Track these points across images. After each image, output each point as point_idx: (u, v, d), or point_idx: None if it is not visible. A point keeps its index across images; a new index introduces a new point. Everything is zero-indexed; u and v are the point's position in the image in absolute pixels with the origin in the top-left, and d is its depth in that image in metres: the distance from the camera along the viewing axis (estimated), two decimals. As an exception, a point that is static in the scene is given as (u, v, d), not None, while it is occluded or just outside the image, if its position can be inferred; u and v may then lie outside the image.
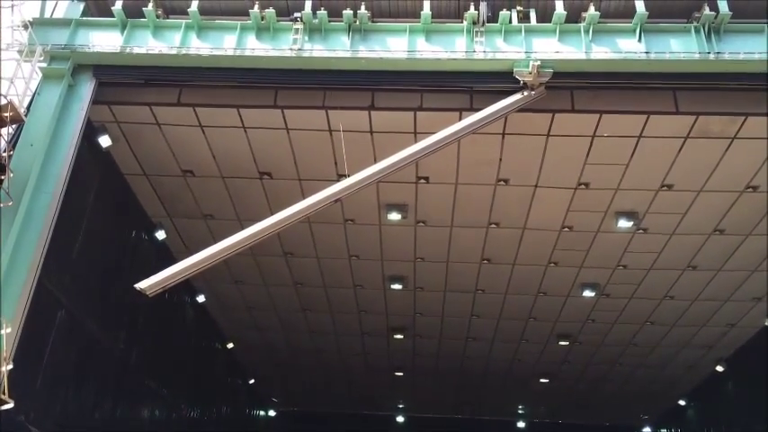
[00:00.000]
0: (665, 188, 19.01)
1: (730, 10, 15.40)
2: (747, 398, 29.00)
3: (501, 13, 15.87)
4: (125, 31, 16.28)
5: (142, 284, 13.90)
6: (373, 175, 14.89)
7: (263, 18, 16.09)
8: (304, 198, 15.29)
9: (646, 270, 23.54)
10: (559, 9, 15.77)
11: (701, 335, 28.38)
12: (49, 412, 15.97)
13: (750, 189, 18.70)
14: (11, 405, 12.00)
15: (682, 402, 36.97)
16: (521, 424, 45.08)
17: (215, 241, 14.87)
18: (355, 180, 14.84)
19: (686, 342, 29.31)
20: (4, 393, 11.81)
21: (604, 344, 30.26)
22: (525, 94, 15.24)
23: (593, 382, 35.46)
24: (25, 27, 15.81)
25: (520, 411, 44.09)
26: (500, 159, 18.30)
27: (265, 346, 32.95)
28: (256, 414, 41.82)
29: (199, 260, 14.33)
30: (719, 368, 31.06)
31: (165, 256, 22.08)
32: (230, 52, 16.01)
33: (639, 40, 15.48)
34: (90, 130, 16.64)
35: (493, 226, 21.41)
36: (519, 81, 15.23)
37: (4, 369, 11.95)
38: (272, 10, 16.06)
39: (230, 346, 32.54)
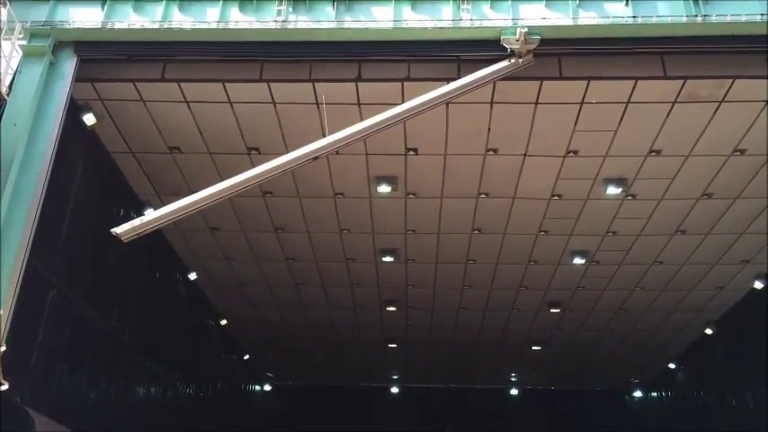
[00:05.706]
0: (654, 154, 19.04)
1: (717, -28, 15.25)
2: (735, 360, 29.47)
3: (487, -21, 15.65)
4: (105, 6, 15.91)
5: (118, 229, 14.23)
6: (353, 135, 14.82)
7: (245, -10, 15.84)
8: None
9: (635, 236, 23.67)
10: (546, -26, 15.57)
11: (690, 299, 28.68)
12: (44, 393, 15.98)
13: (737, 152, 18.75)
14: (5, 387, 12.03)
15: (671, 366, 37.50)
16: (514, 391, 45.68)
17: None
18: (335, 139, 14.78)
19: (675, 306, 29.61)
20: (-2, 375, 11.84)
21: (595, 310, 30.51)
22: (513, 61, 15.11)
23: (585, 348, 35.84)
24: (3, 4, 15.46)
25: (513, 379, 44.58)
26: (489, 129, 18.22)
27: (259, 322, 33.04)
28: (252, 389, 42.08)
29: (174, 209, 14.45)
30: (708, 331, 31.45)
31: (155, 233, 21.83)
32: (213, 25, 15.70)
33: (627, 4, 15.29)
34: (74, 109, 16.37)
35: (483, 196, 21.41)
36: (506, 49, 15.06)
37: (-4, 351, 11.95)
38: (254, -19, 15.76)
39: (224, 322, 32.58)
